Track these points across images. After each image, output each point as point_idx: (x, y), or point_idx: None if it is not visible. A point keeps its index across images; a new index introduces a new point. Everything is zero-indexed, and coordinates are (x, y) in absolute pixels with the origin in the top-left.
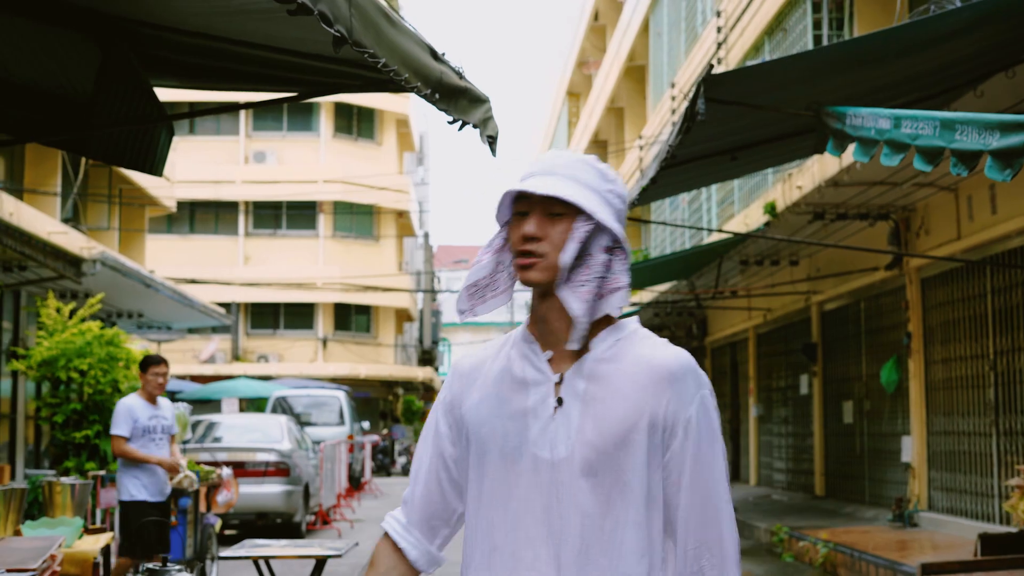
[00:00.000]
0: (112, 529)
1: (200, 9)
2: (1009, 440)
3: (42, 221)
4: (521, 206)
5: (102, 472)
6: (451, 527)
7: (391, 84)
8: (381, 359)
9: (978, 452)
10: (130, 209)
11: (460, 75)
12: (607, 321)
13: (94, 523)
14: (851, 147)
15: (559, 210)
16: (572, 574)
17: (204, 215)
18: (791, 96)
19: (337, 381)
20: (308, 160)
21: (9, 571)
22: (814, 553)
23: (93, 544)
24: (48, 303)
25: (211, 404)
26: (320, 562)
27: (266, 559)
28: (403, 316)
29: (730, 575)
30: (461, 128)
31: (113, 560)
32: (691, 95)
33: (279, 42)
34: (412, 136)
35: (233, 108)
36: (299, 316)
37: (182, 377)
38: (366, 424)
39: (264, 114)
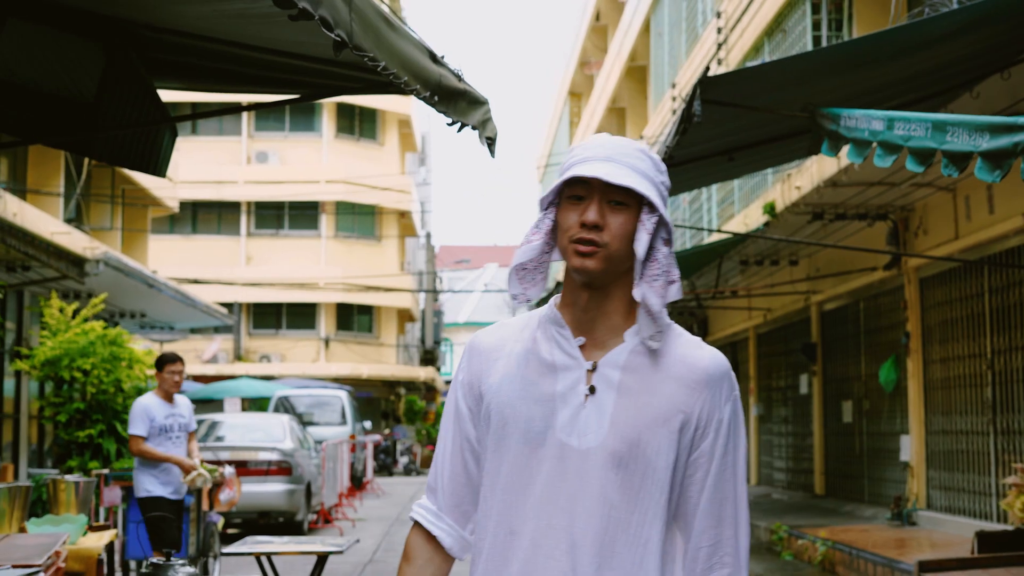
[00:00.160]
0: (116, 527)
1: (202, 12)
2: (1006, 439)
3: (45, 221)
4: (577, 190)
5: (105, 471)
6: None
7: (391, 87)
8: (383, 359)
9: (976, 451)
10: (133, 209)
11: (459, 77)
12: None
13: (97, 520)
14: (845, 148)
15: (620, 199)
16: (593, 566)
17: (206, 215)
18: (787, 97)
19: (339, 381)
20: (310, 160)
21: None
22: (813, 551)
23: (97, 541)
24: (51, 303)
25: (213, 404)
26: (321, 558)
27: (268, 555)
28: (405, 316)
29: (742, 572)
30: (460, 130)
31: (117, 557)
32: (687, 96)
33: (281, 45)
34: (414, 136)
35: (235, 110)
36: (301, 316)
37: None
38: (368, 424)
39: (266, 114)
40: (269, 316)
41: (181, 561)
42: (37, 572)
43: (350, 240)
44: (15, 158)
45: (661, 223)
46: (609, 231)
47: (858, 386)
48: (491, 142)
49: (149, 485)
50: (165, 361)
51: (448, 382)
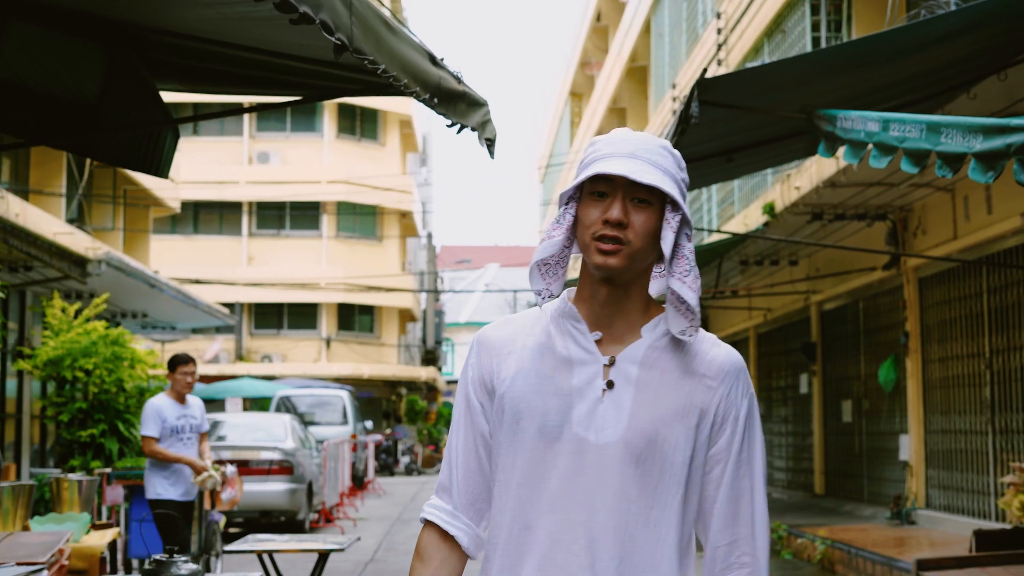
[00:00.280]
0: (119, 525)
1: (204, 15)
2: (1004, 438)
3: (47, 222)
4: (600, 186)
5: (108, 470)
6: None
7: (391, 88)
8: (384, 359)
9: (974, 450)
10: (134, 210)
11: (458, 79)
12: (658, 309)
13: (100, 519)
14: (842, 149)
15: (643, 196)
16: (614, 561)
17: (208, 216)
18: (785, 99)
19: (340, 381)
20: (311, 161)
21: (19, 564)
22: (812, 550)
23: (100, 539)
24: (53, 303)
25: (215, 404)
26: (323, 556)
27: (270, 553)
28: (406, 316)
29: (761, 573)
30: (460, 131)
31: (120, 555)
32: (686, 98)
33: (282, 47)
34: (415, 137)
35: (237, 112)
36: (303, 316)
37: None
38: (369, 424)
39: (268, 115)
40: (270, 316)
41: (184, 557)
42: (41, 570)
43: (351, 240)
44: (17, 159)
45: (684, 220)
46: (632, 229)
47: (857, 386)
48: (490, 143)
49: (159, 487)
50: (177, 362)
51: (449, 382)
